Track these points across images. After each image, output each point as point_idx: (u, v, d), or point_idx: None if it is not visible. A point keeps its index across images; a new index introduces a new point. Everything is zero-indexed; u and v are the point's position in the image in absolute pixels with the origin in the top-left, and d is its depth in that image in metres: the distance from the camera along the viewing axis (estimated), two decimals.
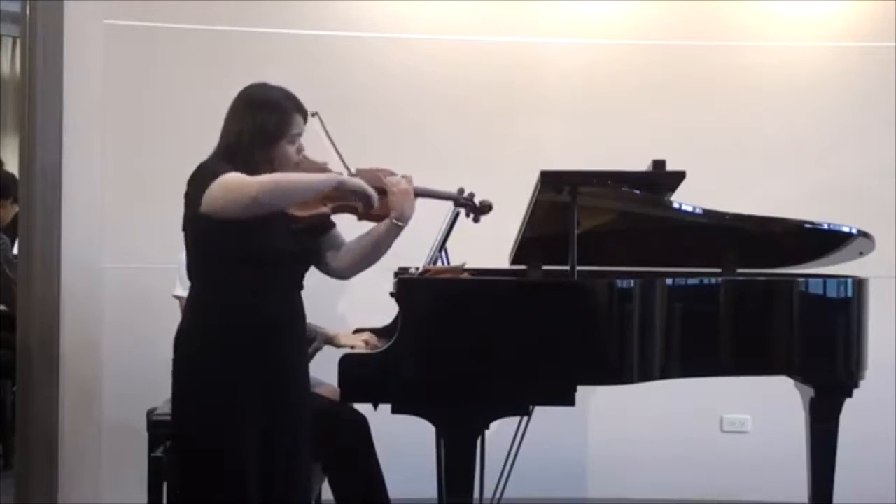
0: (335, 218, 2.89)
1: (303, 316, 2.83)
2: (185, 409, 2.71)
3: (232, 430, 2.64)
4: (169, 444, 3.30)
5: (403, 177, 2.84)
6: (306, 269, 2.83)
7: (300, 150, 2.76)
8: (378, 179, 2.81)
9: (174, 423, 2.79)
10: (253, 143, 2.66)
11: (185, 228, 2.71)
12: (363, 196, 2.73)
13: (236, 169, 2.60)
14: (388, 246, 2.84)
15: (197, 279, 2.73)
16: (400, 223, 2.79)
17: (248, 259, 2.64)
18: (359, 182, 2.73)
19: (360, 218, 2.85)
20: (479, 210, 3.13)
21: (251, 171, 2.62)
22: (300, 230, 2.77)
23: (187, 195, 2.66)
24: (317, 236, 2.86)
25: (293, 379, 2.78)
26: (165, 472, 3.29)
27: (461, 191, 3.14)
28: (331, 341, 3.39)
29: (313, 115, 2.80)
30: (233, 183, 2.56)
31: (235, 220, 2.57)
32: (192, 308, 2.73)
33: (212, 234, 2.63)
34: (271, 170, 2.66)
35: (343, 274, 2.92)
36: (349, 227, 2.91)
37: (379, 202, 2.78)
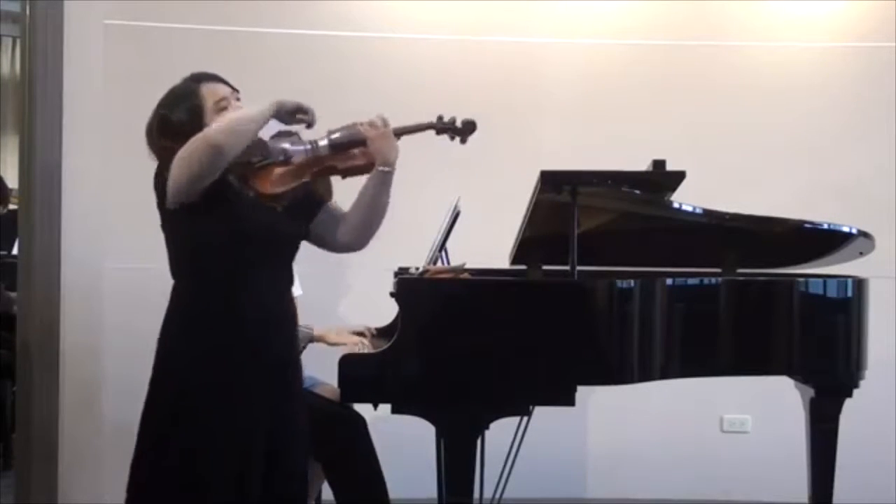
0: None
1: (292, 314, 2.75)
2: (167, 410, 2.62)
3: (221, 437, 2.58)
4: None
5: (377, 116, 2.69)
6: (289, 257, 2.73)
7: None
8: (356, 132, 2.68)
9: (150, 421, 2.67)
10: (174, 137, 2.57)
11: (163, 228, 2.66)
12: (303, 111, 2.62)
13: None
14: (386, 196, 2.69)
15: (176, 276, 2.68)
16: (386, 169, 2.66)
17: (224, 248, 2.57)
18: (294, 101, 2.61)
19: (344, 175, 2.72)
20: (463, 131, 2.86)
21: None
22: (286, 212, 2.68)
23: (156, 197, 2.61)
24: (311, 212, 2.76)
25: (287, 378, 2.71)
26: None
27: (440, 118, 2.85)
28: (319, 340, 3.36)
29: None
30: (184, 151, 2.48)
31: (209, 197, 2.50)
32: (175, 306, 2.67)
33: (184, 229, 2.58)
34: None
35: (354, 244, 2.79)
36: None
37: (360, 151, 2.68)
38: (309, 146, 2.65)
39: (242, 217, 2.58)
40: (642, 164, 3.20)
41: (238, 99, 2.69)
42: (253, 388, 2.61)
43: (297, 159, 2.65)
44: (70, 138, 4.10)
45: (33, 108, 4.06)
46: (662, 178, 3.15)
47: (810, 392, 3.33)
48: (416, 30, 4.37)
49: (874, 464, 4.28)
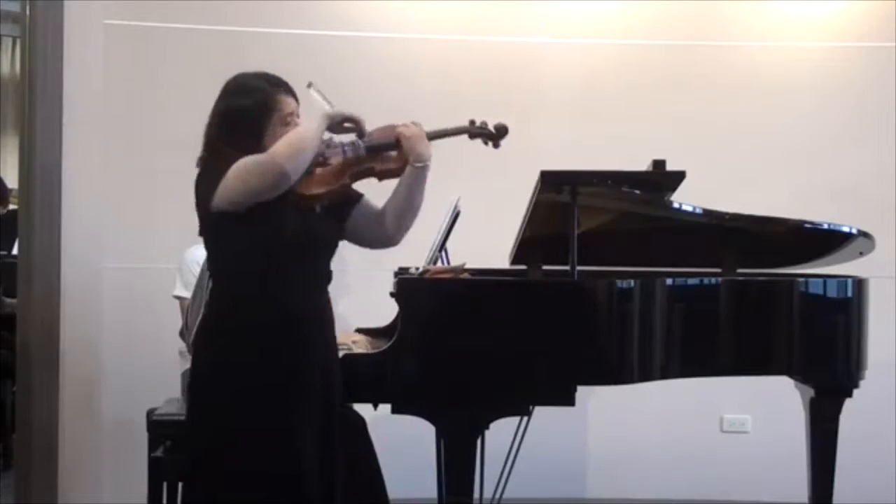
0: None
1: (327, 315, 2.79)
2: (203, 409, 2.67)
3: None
4: (169, 444, 3.30)
5: (412, 123, 2.80)
6: (320, 258, 2.77)
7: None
8: (392, 134, 2.77)
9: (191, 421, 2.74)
10: (232, 128, 2.62)
11: (201, 233, 2.70)
12: (352, 121, 2.71)
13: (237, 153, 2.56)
14: (421, 191, 2.78)
15: (213, 276, 2.72)
16: (420, 164, 2.74)
17: (260, 250, 2.61)
18: (346, 111, 2.71)
19: (381, 178, 2.79)
20: (496, 136, 2.97)
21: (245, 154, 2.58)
22: (323, 212, 2.73)
23: (197, 199, 2.63)
24: (345, 212, 2.81)
25: (329, 381, 2.74)
26: (165, 472, 3.29)
27: (472, 122, 2.97)
28: None
29: (308, 86, 2.77)
30: (247, 167, 2.52)
31: (255, 208, 2.54)
32: (210, 304, 2.72)
33: (224, 232, 2.61)
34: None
35: (392, 238, 2.85)
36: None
37: (396, 154, 2.76)
38: (348, 148, 2.73)
39: (279, 220, 2.61)
40: (642, 164, 3.20)
41: (298, 115, 2.72)
42: (291, 391, 2.64)
43: (334, 161, 2.72)
44: (70, 138, 4.10)
45: (33, 108, 4.06)
46: (662, 178, 3.15)
47: (810, 392, 3.33)
48: (416, 30, 4.37)
49: (874, 464, 4.28)
